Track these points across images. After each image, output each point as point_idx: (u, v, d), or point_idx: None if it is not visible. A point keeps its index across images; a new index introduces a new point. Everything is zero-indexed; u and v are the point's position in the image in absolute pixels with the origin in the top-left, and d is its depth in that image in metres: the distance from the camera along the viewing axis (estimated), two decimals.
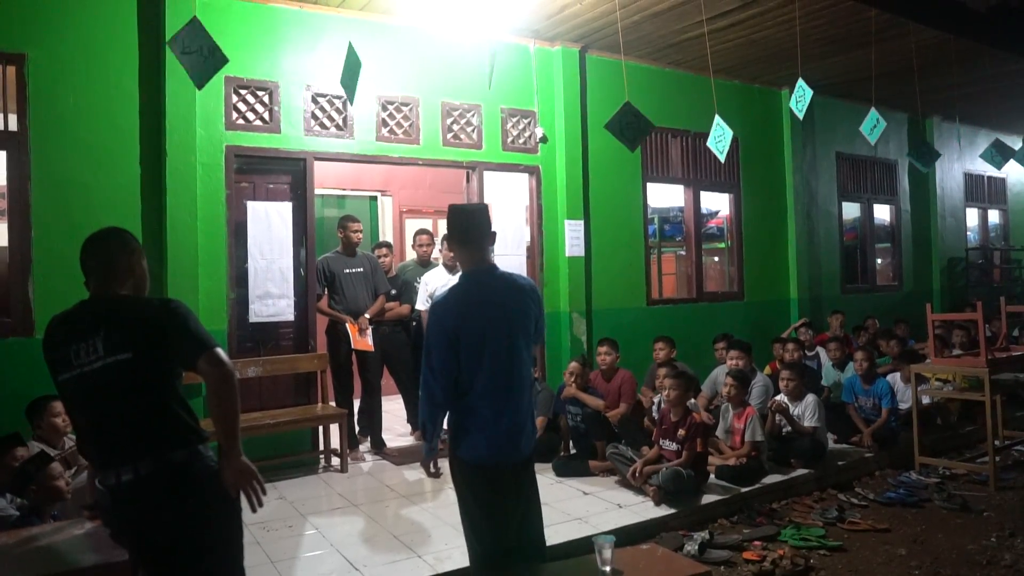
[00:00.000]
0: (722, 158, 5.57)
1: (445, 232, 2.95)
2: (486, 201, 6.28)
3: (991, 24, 7.31)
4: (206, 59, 4.17)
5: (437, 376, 2.66)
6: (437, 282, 5.88)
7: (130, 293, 2.28)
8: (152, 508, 2.09)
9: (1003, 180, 11.96)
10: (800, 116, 5.66)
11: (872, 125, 6.09)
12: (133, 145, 4.99)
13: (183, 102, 5.00)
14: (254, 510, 2.16)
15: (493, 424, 2.67)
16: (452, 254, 5.96)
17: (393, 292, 6.12)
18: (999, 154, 7.40)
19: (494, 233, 2.85)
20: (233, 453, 2.11)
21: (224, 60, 4.26)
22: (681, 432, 4.70)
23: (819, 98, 8.79)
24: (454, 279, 5.78)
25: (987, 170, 11.02)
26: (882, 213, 10.13)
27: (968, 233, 11.25)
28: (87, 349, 2.11)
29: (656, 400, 5.59)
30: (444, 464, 3.11)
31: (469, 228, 2.77)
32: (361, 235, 6.00)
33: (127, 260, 2.27)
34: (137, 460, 2.08)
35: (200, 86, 4.38)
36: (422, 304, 5.90)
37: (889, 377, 6.21)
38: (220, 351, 2.12)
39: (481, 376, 2.66)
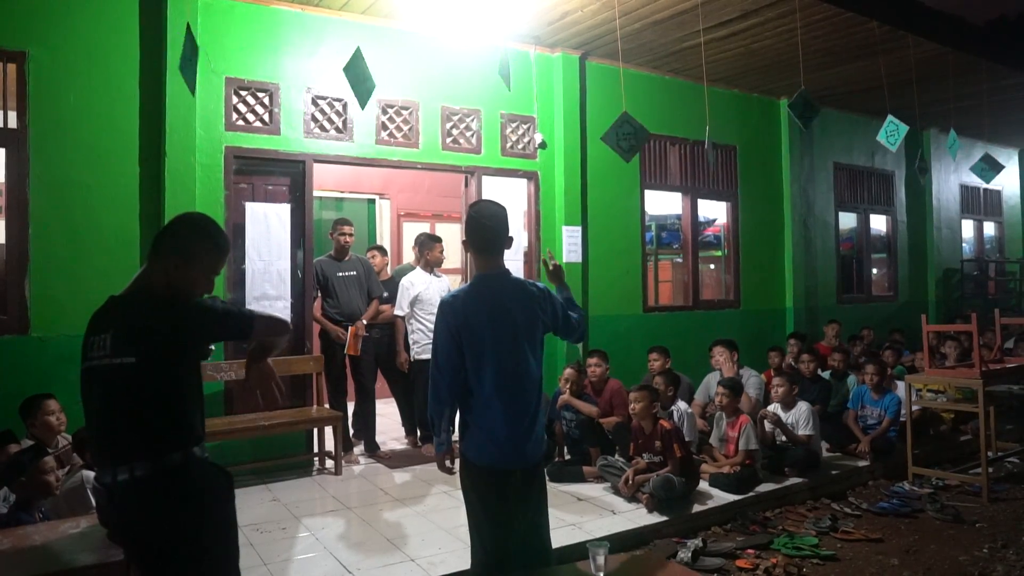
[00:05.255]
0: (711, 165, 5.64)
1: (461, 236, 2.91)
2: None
3: (989, 38, 7.37)
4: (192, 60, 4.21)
5: (442, 372, 2.71)
6: (420, 285, 5.84)
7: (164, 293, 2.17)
8: (147, 509, 2.08)
9: (999, 192, 12.02)
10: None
11: (890, 132, 5.99)
12: (133, 145, 5.00)
13: (183, 103, 5.00)
14: (264, 407, 2.29)
15: (500, 427, 2.67)
16: (438, 255, 5.99)
17: (386, 295, 6.11)
18: (988, 167, 7.43)
19: (511, 238, 2.85)
20: (263, 359, 2.41)
21: (195, 49, 4.19)
22: (657, 443, 4.72)
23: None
24: (437, 280, 5.84)
25: (983, 182, 11.07)
26: (878, 224, 10.17)
27: (964, 245, 11.30)
28: (99, 343, 2.12)
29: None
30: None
31: (487, 238, 2.79)
32: (350, 239, 5.95)
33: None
34: (133, 461, 2.07)
35: (192, 90, 4.41)
36: (402, 309, 5.80)
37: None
38: (260, 315, 2.34)
39: (487, 378, 2.67)
